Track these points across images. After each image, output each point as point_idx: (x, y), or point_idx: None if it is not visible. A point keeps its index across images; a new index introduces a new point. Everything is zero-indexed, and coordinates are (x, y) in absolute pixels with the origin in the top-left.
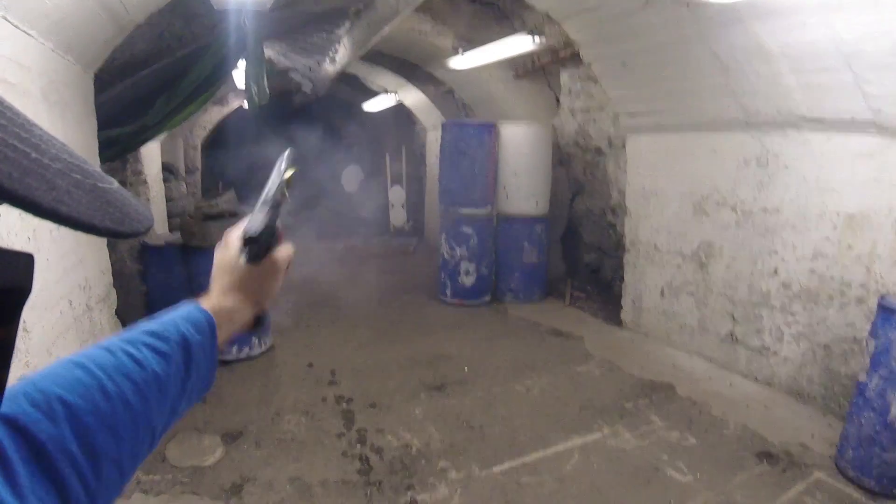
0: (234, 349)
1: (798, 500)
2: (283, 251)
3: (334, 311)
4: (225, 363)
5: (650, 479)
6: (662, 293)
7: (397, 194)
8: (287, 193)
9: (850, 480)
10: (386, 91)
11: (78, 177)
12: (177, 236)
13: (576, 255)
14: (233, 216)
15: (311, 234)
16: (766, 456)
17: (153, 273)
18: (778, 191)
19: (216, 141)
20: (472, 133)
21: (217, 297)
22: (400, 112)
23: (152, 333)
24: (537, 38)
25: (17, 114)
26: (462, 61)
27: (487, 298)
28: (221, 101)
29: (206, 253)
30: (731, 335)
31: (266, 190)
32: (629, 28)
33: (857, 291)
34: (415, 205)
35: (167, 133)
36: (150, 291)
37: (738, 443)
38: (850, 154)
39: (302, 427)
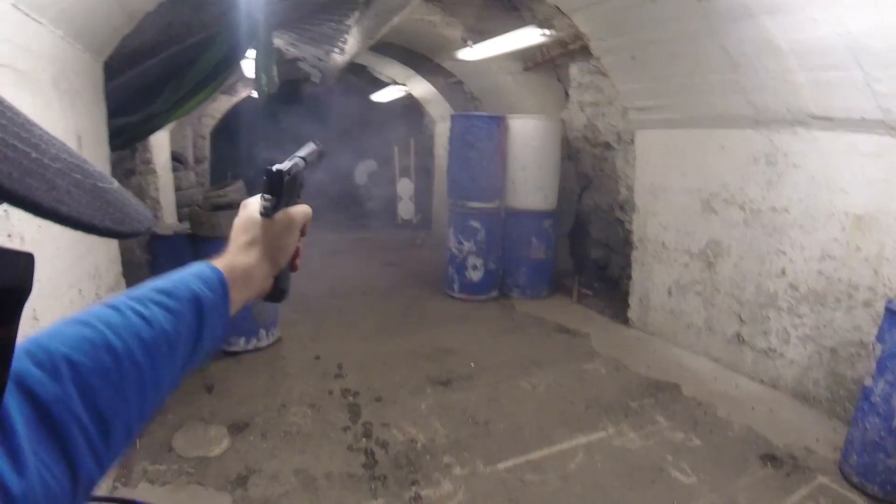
0: (242, 341)
1: None
2: (300, 208)
3: (341, 303)
4: (232, 354)
5: (654, 479)
6: (670, 292)
7: (405, 187)
8: (310, 163)
9: (854, 486)
10: (395, 82)
11: (78, 176)
12: (186, 226)
13: (583, 251)
14: (252, 197)
15: (318, 226)
16: (771, 459)
17: (162, 263)
18: (786, 190)
19: (225, 130)
20: (480, 126)
21: (231, 255)
22: (409, 103)
23: (161, 290)
24: (546, 31)
25: (17, 113)
26: (471, 53)
27: (494, 293)
28: (230, 91)
29: (215, 243)
30: (738, 336)
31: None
32: (639, 21)
33: (865, 294)
34: (423, 197)
35: (176, 122)
36: None
37: (743, 445)
38: (860, 154)
39: (308, 419)
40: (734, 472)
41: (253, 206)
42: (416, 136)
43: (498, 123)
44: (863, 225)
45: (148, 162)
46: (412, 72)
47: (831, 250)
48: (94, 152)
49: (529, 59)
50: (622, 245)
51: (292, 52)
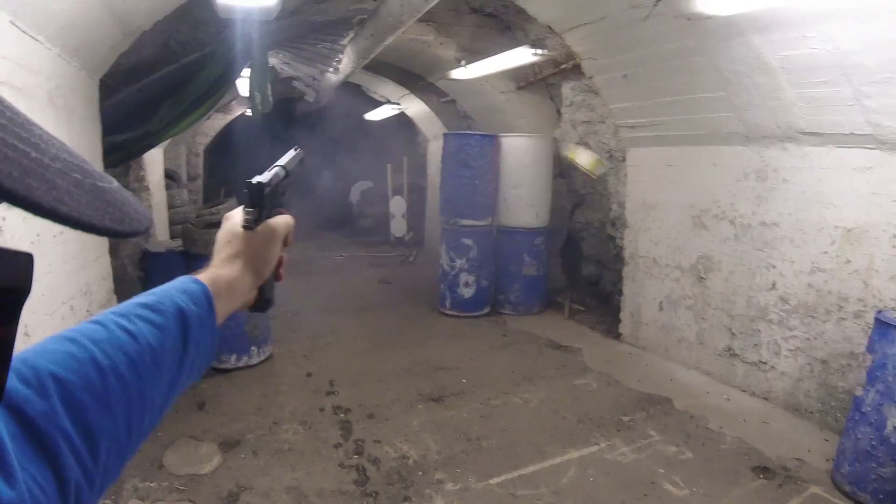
0: (233, 358)
1: None
2: (282, 219)
3: (334, 320)
4: (224, 371)
5: (647, 492)
6: (661, 307)
7: (398, 205)
8: (291, 171)
9: (847, 495)
10: (389, 101)
11: (78, 176)
12: (178, 243)
13: (575, 267)
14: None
15: (311, 243)
16: (763, 470)
17: (154, 280)
18: (776, 204)
19: (218, 148)
20: (473, 144)
21: (215, 268)
22: (402, 122)
23: (146, 305)
24: (539, 50)
25: (17, 113)
26: (464, 72)
27: (487, 310)
28: (224, 109)
29: (208, 260)
30: (729, 349)
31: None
32: (630, 41)
33: (855, 306)
34: (416, 215)
35: (170, 140)
36: None
37: (735, 457)
38: (849, 168)
39: (300, 436)
40: (727, 484)
41: (235, 218)
42: (409, 155)
43: (491, 142)
44: (853, 238)
45: (141, 179)
46: (406, 91)
47: (821, 263)
48: None
49: (522, 78)
50: (614, 261)
51: (287, 71)
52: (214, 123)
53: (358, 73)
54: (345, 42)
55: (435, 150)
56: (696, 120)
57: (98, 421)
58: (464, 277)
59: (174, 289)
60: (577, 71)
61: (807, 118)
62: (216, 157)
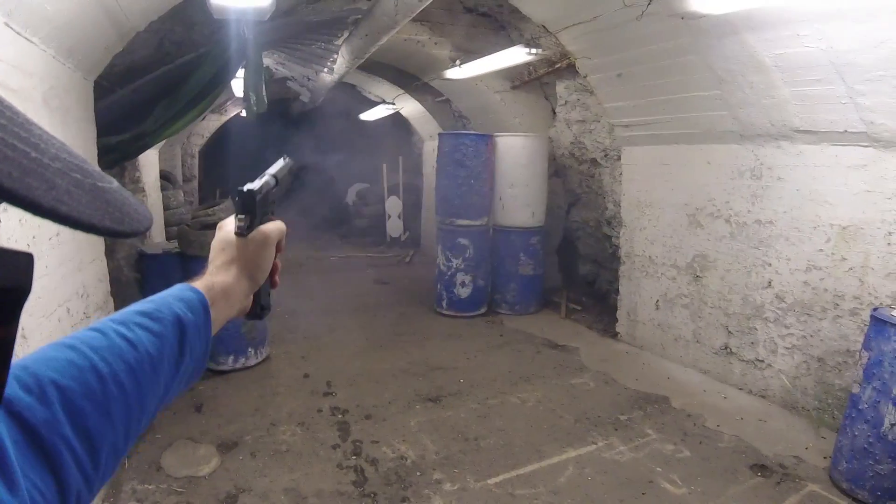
0: (231, 359)
1: None
2: (274, 225)
3: (331, 321)
4: (221, 373)
5: (644, 490)
6: (657, 305)
7: (394, 205)
8: (280, 179)
9: (844, 492)
10: (384, 101)
11: (78, 176)
12: (174, 244)
13: (572, 266)
14: (228, 217)
15: (307, 244)
16: (760, 468)
17: (151, 281)
18: (772, 203)
19: (214, 149)
20: (468, 144)
21: (210, 275)
22: (397, 122)
23: (144, 314)
24: (533, 50)
25: (17, 113)
26: (459, 72)
27: (483, 310)
28: (219, 110)
29: (204, 261)
30: (726, 347)
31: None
32: (624, 40)
33: (851, 303)
34: (412, 215)
35: (165, 141)
36: None
37: (733, 455)
38: (843, 166)
39: (297, 438)
40: (724, 483)
41: (228, 226)
42: (405, 155)
43: (486, 141)
44: (848, 236)
45: (137, 181)
46: (400, 90)
47: (817, 261)
48: None
49: (517, 78)
50: (610, 260)
51: (282, 71)
52: (209, 124)
53: (352, 73)
54: (339, 42)
55: (430, 149)
56: (690, 118)
57: (98, 428)
58: (460, 277)
59: (171, 297)
60: (571, 70)
61: (801, 116)
62: (211, 159)
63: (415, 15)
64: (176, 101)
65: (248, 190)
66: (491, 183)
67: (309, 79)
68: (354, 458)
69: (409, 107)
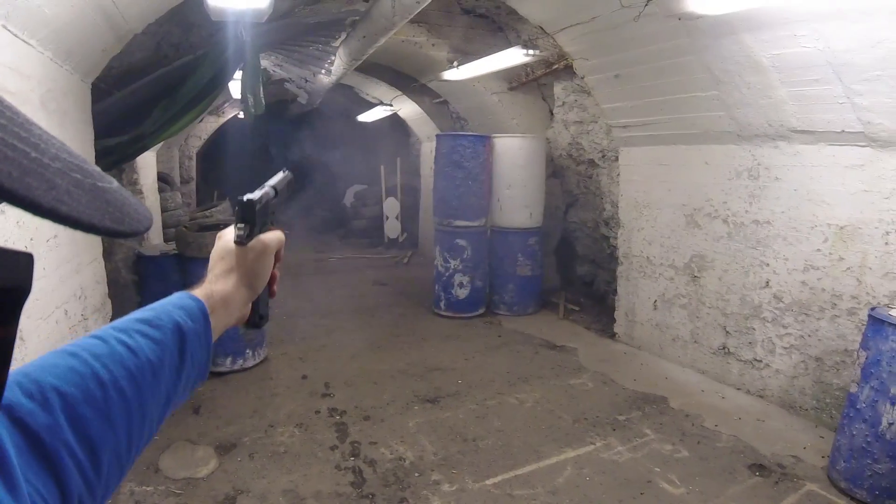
0: (228, 361)
1: None
2: (273, 234)
3: (329, 322)
4: (219, 375)
5: (643, 491)
6: (655, 305)
7: (392, 206)
8: (280, 192)
9: (842, 492)
10: (381, 102)
11: (78, 176)
12: (172, 246)
13: (570, 267)
14: (228, 226)
15: (304, 246)
16: (759, 468)
17: (148, 283)
18: (769, 203)
19: (211, 151)
20: (466, 145)
21: (210, 283)
22: (395, 123)
23: (145, 321)
24: (531, 51)
25: (17, 113)
26: (456, 73)
27: (481, 311)
28: (217, 112)
29: (202, 263)
30: (724, 347)
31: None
32: (622, 41)
33: (849, 303)
34: (410, 216)
35: (163, 143)
36: (145, 302)
37: (731, 455)
38: (841, 166)
39: (296, 439)
40: (723, 482)
41: (228, 235)
42: (403, 156)
43: (483, 143)
44: (845, 235)
45: (135, 183)
46: (398, 92)
47: (815, 261)
48: None
49: (514, 79)
50: (608, 261)
51: (279, 73)
52: (207, 126)
53: (350, 74)
54: (337, 44)
55: (428, 151)
56: (687, 119)
57: (100, 434)
58: (458, 278)
59: (171, 304)
60: (568, 71)
61: (798, 116)
62: (209, 160)
63: (412, 16)
64: (174, 103)
65: (248, 200)
66: (489, 184)
67: (307, 80)
68: (353, 459)
69: (407, 108)
